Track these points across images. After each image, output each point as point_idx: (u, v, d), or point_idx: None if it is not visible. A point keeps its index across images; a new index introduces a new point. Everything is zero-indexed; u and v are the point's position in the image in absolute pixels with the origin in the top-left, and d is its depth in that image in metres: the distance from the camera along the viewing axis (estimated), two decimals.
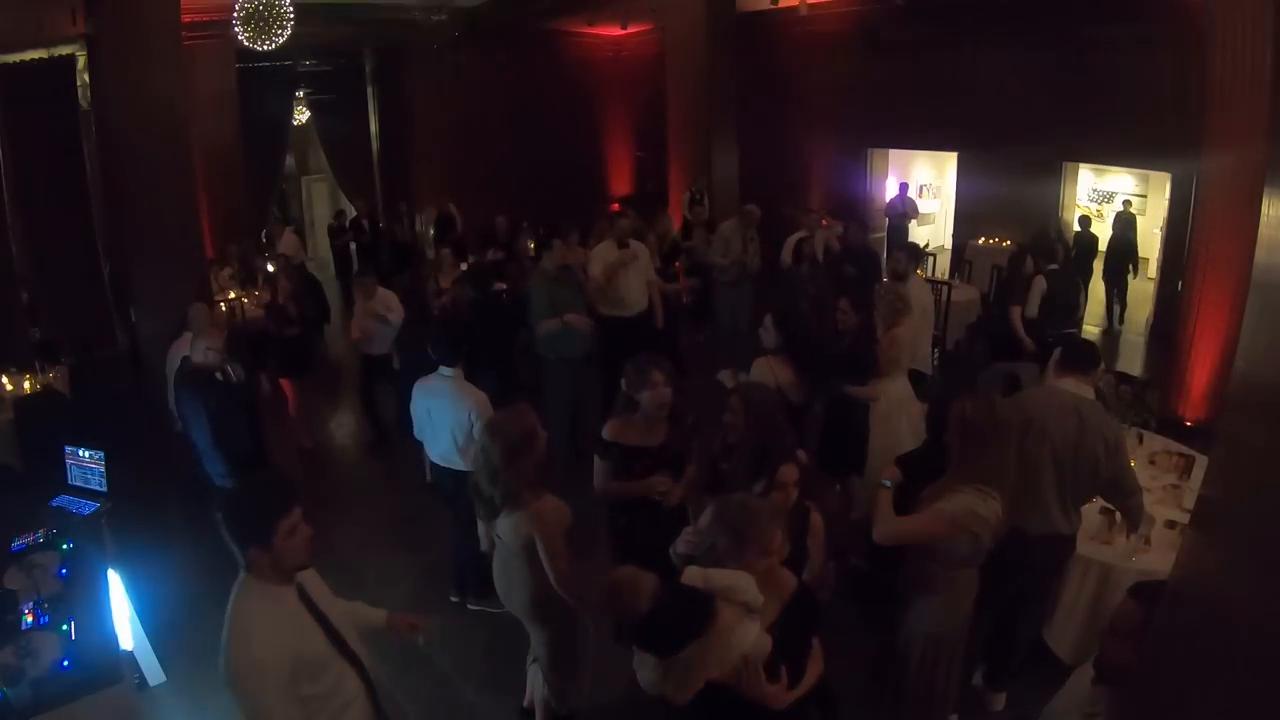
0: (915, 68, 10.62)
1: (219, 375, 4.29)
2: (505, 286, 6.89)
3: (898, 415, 4.52)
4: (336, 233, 12.31)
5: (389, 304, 6.27)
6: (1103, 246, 9.45)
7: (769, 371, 4.18)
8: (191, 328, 4.88)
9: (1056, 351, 3.48)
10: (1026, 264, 6.54)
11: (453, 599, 4.44)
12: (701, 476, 3.35)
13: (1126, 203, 9.91)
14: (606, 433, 3.42)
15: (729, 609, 2.24)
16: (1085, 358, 3.41)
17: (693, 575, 2.31)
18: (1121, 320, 9.14)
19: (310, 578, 2.30)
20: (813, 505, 2.95)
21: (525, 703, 3.50)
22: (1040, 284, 6.12)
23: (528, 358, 6.27)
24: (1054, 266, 6.34)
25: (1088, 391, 3.33)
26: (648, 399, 3.29)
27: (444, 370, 4.10)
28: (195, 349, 4.28)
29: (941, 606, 2.90)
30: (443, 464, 4.17)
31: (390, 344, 6.28)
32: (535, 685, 3.36)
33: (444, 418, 4.04)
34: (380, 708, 2.43)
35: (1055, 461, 3.18)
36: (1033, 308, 6.08)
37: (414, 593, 4.61)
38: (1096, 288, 9.48)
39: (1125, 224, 9.37)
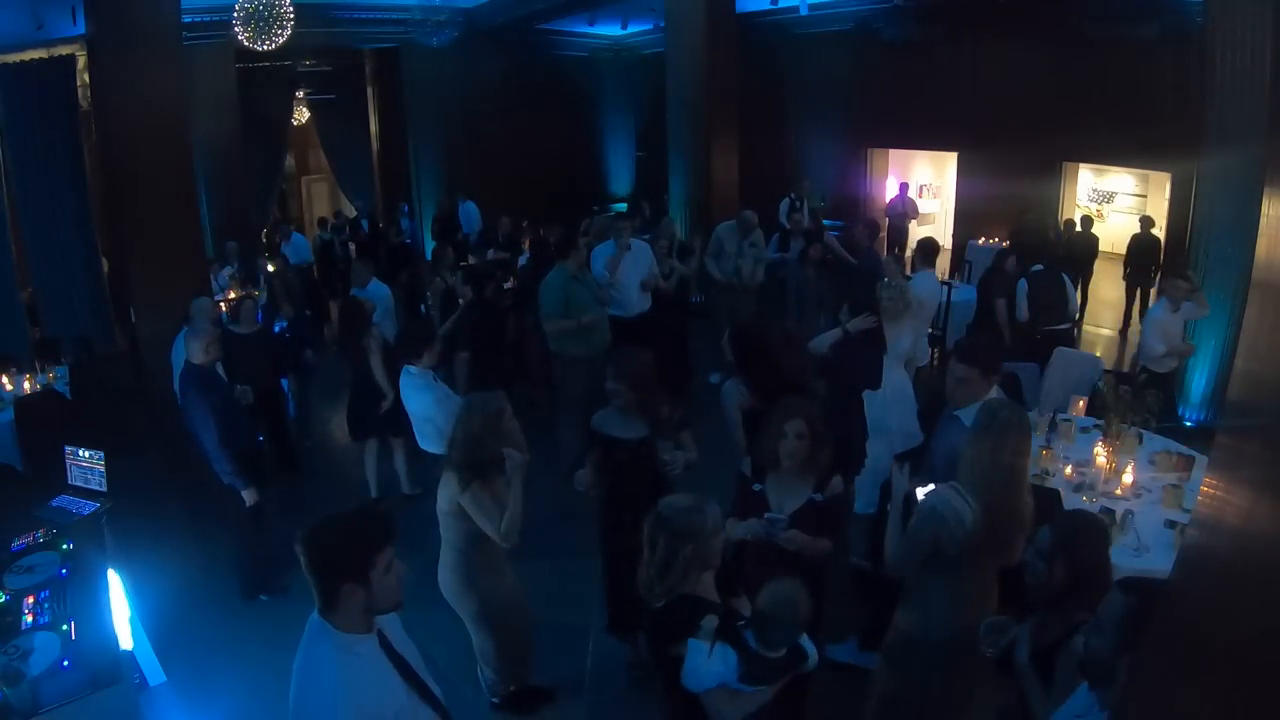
0: (915, 67, 10.63)
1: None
2: (513, 284, 6.87)
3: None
4: (334, 233, 12.26)
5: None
6: (1104, 248, 9.40)
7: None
8: (191, 323, 4.86)
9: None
10: (1008, 262, 6.62)
11: None
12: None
13: (1149, 220, 8.85)
14: (593, 422, 3.54)
15: None
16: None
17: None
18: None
19: (386, 617, 2.14)
20: None
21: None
22: (1022, 285, 6.25)
23: (542, 356, 6.22)
24: (1038, 267, 6.46)
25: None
26: (612, 390, 3.39)
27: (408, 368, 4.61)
28: (189, 348, 4.28)
29: (915, 613, 2.76)
30: None
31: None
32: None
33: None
34: None
35: None
36: (1021, 309, 6.20)
37: (412, 592, 4.58)
38: (1101, 288, 9.46)
39: (1144, 237, 8.82)
